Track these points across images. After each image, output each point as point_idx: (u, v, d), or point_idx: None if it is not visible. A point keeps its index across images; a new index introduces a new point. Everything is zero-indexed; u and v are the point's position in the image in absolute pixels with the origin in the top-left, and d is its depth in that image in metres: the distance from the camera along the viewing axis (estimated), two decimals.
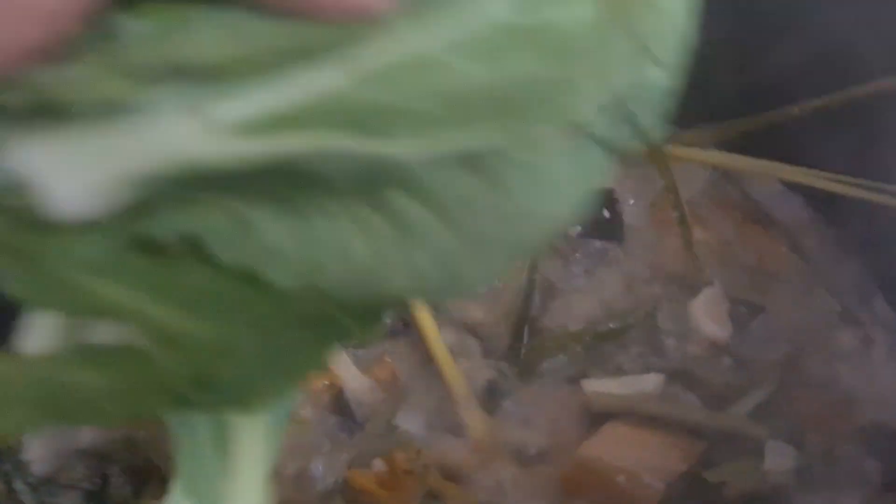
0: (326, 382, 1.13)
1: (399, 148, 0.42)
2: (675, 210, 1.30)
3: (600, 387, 1.10)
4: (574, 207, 0.48)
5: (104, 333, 0.47)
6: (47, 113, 0.40)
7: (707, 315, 1.19)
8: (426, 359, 1.14)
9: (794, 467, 1.07)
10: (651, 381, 1.11)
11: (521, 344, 1.16)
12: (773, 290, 1.24)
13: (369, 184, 0.43)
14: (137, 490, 1.12)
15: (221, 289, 0.44)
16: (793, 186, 1.31)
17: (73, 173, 0.40)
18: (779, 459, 1.07)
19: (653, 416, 1.07)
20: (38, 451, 1.16)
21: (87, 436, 1.17)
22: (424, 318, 1.15)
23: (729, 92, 1.33)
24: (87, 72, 0.40)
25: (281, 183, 0.42)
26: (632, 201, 1.30)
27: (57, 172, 0.40)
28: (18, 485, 1.12)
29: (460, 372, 1.12)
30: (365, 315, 0.47)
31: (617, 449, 1.05)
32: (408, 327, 1.17)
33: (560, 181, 0.46)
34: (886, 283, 1.24)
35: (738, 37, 1.32)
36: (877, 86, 1.20)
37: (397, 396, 1.13)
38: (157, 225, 0.42)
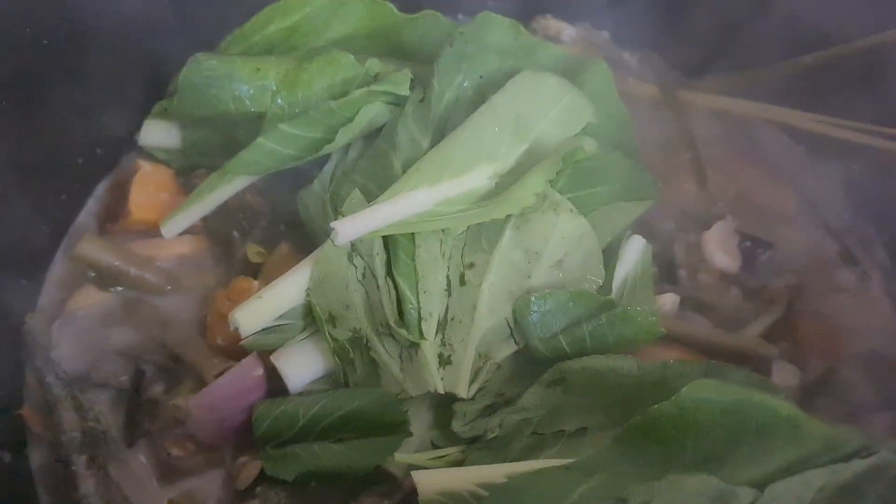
0: None
1: None
2: (689, 151, 1.36)
3: None
4: None
5: None
6: None
7: (718, 248, 1.25)
8: None
9: (800, 385, 1.14)
10: (668, 301, 1.17)
11: None
12: (779, 228, 1.30)
13: None
14: (169, 389, 1.15)
15: None
16: (799, 133, 1.38)
17: None
18: (785, 377, 1.14)
19: (669, 334, 1.12)
20: (67, 349, 1.20)
21: (117, 336, 1.20)
22: None
23: (743, 42, 1.40)
24: None
25: None
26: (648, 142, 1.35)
27: None
28: (50, 379, 1.15)
29: None
30: None
31: None
32: None
33: None
34: (884, 227, 1.31)
35: None
36: (883, 37, 1.28)
37: None
38: None
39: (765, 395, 0.93)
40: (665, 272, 1.25)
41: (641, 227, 1.23)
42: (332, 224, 1.07)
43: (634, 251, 1.16)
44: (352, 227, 1.07)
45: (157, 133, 1.36)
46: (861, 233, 1.31)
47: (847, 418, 1.13)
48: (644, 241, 1.17)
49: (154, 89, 1.38)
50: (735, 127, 1.40)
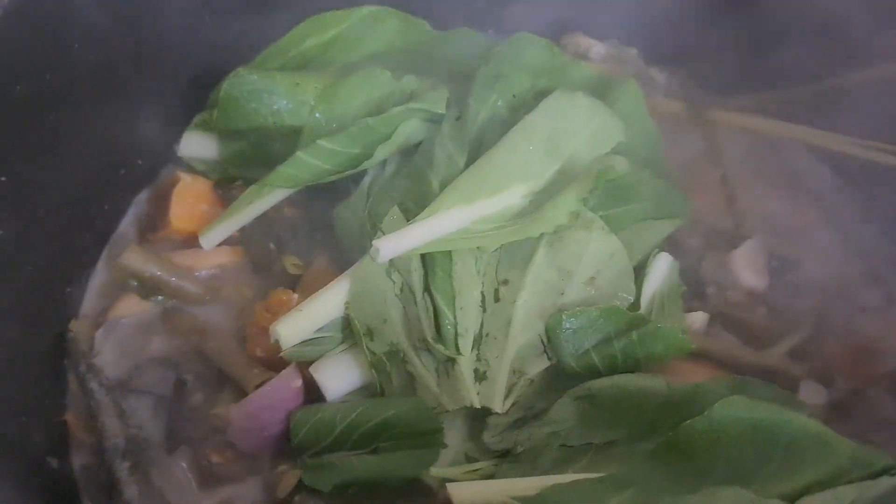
0: None
1: None
2: (718, 169, 1.39)
3: None
4: None
5: None
6: None
7: (746, 266, 1.27)
8: None
9: (826, 404, 1.16)
10: (697, 319, 1.20)
11: None
12: (806, 247, 1.32)
13: None
14: (209, 397, 1.18)
15: None
16: (824, 152, 1.39)
17: None
18: (812, 396, 1.16)
19: (698, 351, 1.15)
20: (109, 356, 1.23)
21: (158, 345, 1.23)
22: None
23: (771, 62, 1.43)
24: None
25: None
26: (676, 160, 1.37)
27: None
28: (93, 385, 1.18)
29: None
30: None
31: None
32: None
33: None
34: None
35: (782, 11, 1.42)
36: None
37: None
38: None
39: (794, 413, 0.95)
40: (694, 290, 1.26)
41: (671, 244, 1.25)
42: (374, 242, 1.10)
43: (661, 268, 1.18)
44: (392, 245, 1.09)
45: (197, 144, 1.39)
46: (888, 253, 1.33)
47: (875, 438, 1.15)
48: (671, 258, 1.20)
49: (194, 101, 1.41)
50: (764, 146, 1.42)
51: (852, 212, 1.37)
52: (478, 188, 1.14)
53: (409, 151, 1.27)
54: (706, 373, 1.15)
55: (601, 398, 1.06)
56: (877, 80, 1.34)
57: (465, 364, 1.08)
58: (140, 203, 1.39)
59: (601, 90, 1.33)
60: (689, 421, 0.95)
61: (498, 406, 1.07)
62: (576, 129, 1.23)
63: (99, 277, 1.32)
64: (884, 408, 1.17)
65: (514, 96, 1.28)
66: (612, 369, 1.10)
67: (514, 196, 1.16)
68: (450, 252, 1.12)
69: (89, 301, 1.29)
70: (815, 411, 1.14)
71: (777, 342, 1.22)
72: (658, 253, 1.20)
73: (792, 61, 1.40)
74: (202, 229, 1.29)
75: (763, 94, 1.46)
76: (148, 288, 1.27)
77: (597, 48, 1.56)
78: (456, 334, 1.09)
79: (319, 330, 1.14)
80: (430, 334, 1.09)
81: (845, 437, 0.96)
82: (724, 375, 1.14)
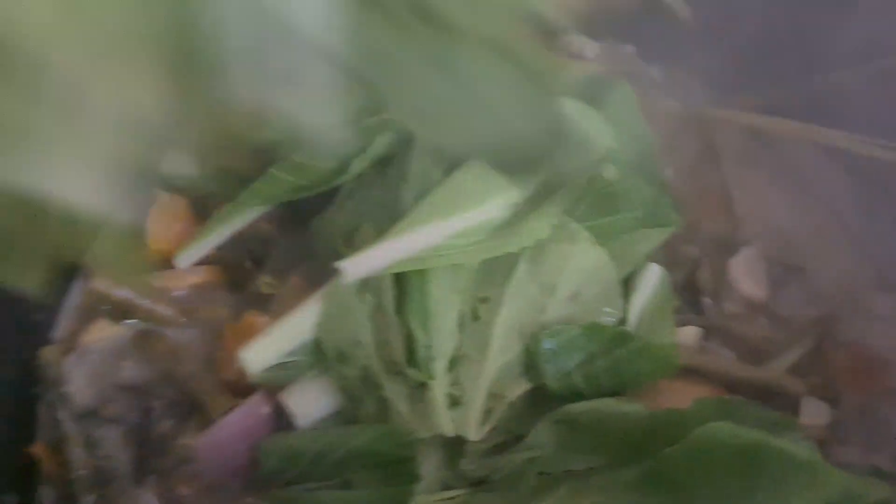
0: None
1: None
2: (716, 171, 1.32)
3: None
4: None
5: None
6: None
7: (745, 274, 1.20)
8: None
9: (829, 423, 1.09)
10: (690, 334, 1.13)
11: None
12: (811, 252, 1.25)
13: None
14: (178, 425, 1.14)
15: None
16: (832, 151, 1.32)
17: None
18: (814, 414, 1.09)
19: (691, 368, 1.09)
20: (79, 384, 1.19)
21: (129, 371, 1.20)
22: None
23: (772, 58, 1.35)
24: None
25: None
26: (672, 162, 1.31)
27: None
28: (62, 415, 1.15)
29: None
30: None
31: (654, 399, 1.06)
32: None
33: None
34: None
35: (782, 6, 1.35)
36: None
37: None
38: None
39: (782, 440, 0.88)
40: (689, 301, 1.20)
41: (664, 253, 1.18)
42: (339, 264, 1.04)
43: (651, 281, 1.11)
44: (359, 265, 1.04)
45: (176, 161, 1.35)
46: None
47: (883, 457, 1.08)
48: (661, 269, 1.13)
49: None
50: (766, 146, 1.35)
51: (863, 214, 1.29)
52: (454, 202, 1.08)
53: (386, 162, 1.22)
54: (700, 391, 1.08)
55: (580, 423, 0.99)
56: (889, 73, 1.26)
57: (438, 389, 1.02)
58: None
59: (592, 93, 1.27)
60: (668, 448, 0.88)
61: (472, 433, 1.01)
62: None
63: (72, 302, 1.28)
64: (894, 425, 1.10)
65: None
66: (597, 390, 1.04)
67: (494, 208, 1.10)
68: (424, 270, 1.07)
69: (62, 327, 1.26)
70: (818, 431, 1.07)
71: (778, 356, 1.15)
72: (647, 264, 1.13)
73: (797, 55, 1.34)
74: (177, 249, 1.25)
75: (767, 90, 1.39)
76: (120, 312, 1.23)
77: (591, 46, 1.50)
78: (429, 357, 1.03)
79: (290, 354, 1.09)
80: (401, 358, 1.04)
81: (850, 458, 0.90)
82: (717, 394, 1.08)
